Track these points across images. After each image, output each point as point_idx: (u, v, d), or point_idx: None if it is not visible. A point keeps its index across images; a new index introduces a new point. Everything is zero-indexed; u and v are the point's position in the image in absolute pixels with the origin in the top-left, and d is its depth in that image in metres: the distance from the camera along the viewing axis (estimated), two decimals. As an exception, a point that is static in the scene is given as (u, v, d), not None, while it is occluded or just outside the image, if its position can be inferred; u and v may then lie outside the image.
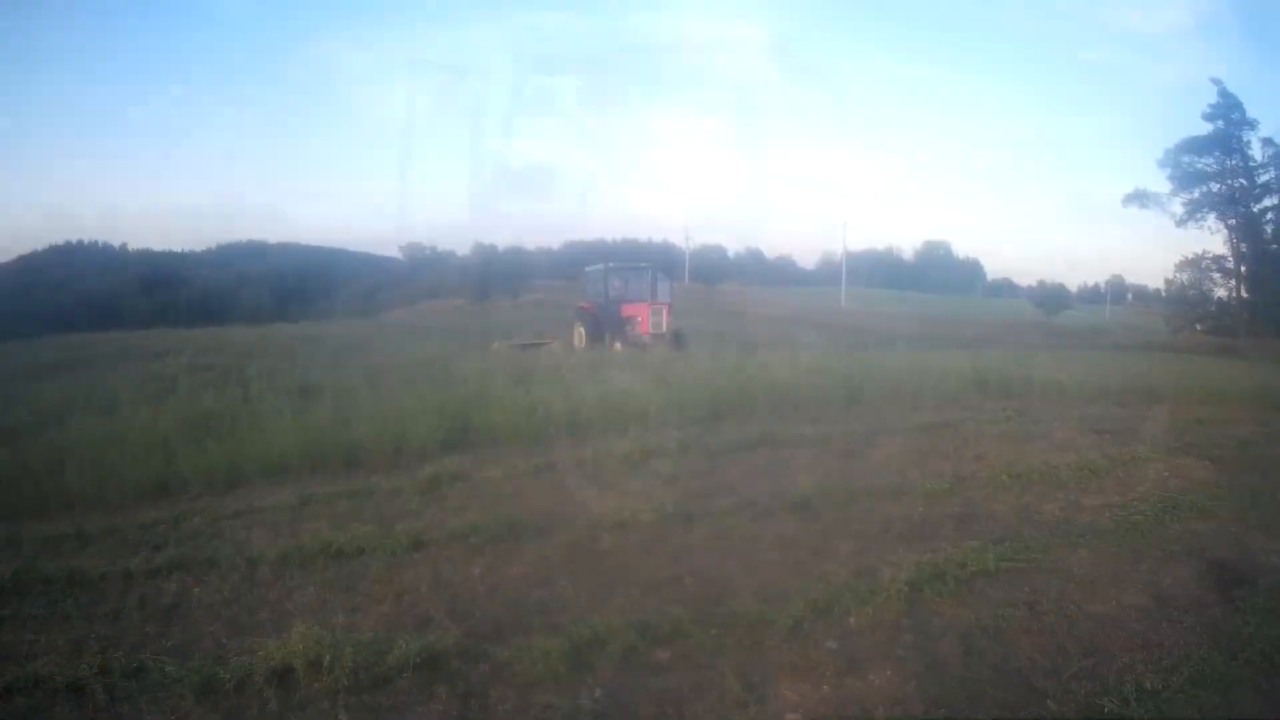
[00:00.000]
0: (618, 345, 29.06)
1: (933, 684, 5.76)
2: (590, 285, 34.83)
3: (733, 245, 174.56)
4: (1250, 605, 7.11)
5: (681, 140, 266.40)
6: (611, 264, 35.14)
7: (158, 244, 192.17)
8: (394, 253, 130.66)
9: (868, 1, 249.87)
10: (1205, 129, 58.87)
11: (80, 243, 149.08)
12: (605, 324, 31.21)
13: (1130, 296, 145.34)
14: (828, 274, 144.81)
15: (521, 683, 5.71)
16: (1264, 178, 58.24)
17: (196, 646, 6.27)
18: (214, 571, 7.63)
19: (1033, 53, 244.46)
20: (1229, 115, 57.80)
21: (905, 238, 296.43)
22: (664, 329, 30.52)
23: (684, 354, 24.91)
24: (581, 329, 32.61)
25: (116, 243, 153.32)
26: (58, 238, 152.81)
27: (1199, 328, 60.73)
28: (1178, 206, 60.47)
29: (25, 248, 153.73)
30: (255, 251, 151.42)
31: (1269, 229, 58.86)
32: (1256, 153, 58.13)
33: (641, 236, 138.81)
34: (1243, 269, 58.72)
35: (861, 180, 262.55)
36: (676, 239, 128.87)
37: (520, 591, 7.20)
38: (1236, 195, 58.29)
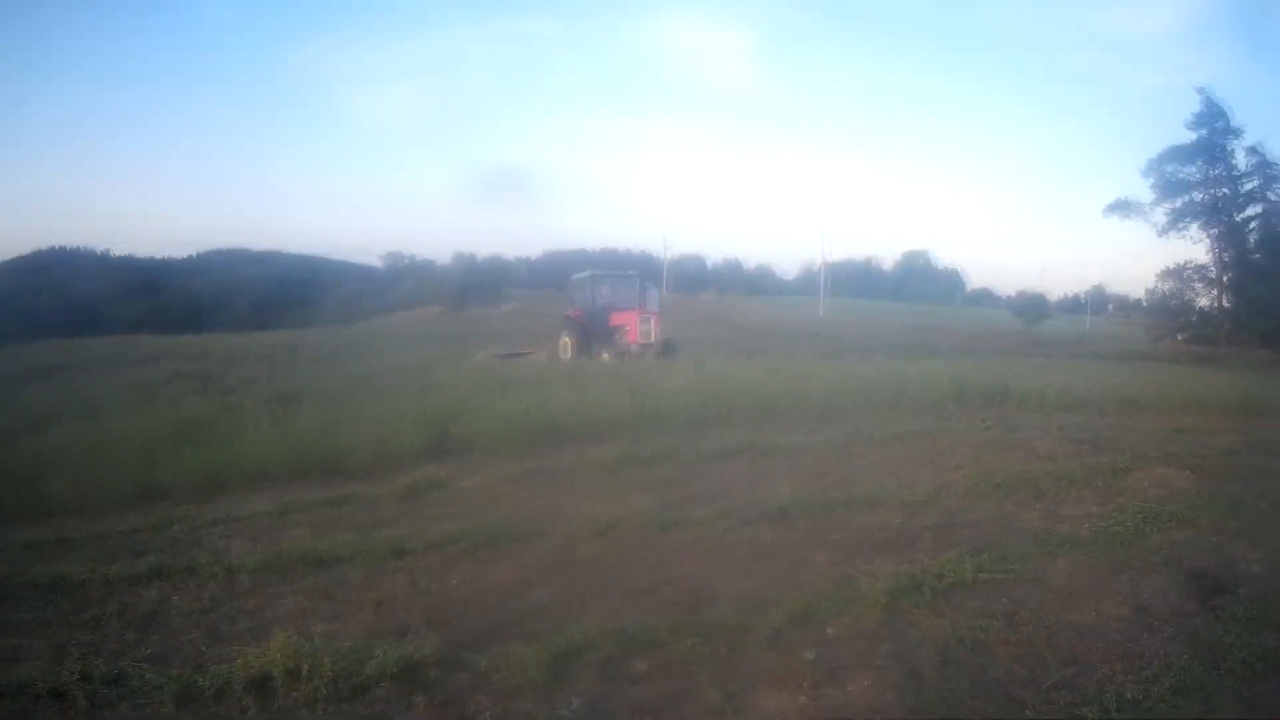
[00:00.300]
0: (606, 355, 28.71)
1: (911, 694, 5.77)
2: (577, 293, 34.22)
3: (711, 255, 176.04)
4: (1232, 614, 7.12)
5: (662, 149, 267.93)
6: (599, 271, 34.70)
7: (141, 250, 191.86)
8: (374, 261, 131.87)
9: (849, 9, 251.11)
10: (1189, 137, 59.02)
11: (64, 248, 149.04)
12: (593, 333, 30.86)
13: (1111, 306, 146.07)
14: (807, 284, 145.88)
15: (500, 691, 5.72)
16: (1248, 186, 58.38)
17: (176, 654, 6.28)
18: (194, 579, 7.66)
19: (1015, 60, 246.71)
20: (1213, 123, 57.84)
21: (885, 248, 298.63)
22: (653, 338, 29.94)
23: (673, 364, 24.76)
24: (568, 338, 32.19)
25: (100, 248, 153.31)
26: (42, 243, 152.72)
27: (1181, 337, 60.72)
28: (1160, 216, 60.51)
29: (9, 253, 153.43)
30: (237, 259, 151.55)
31: (1253, 238, 58.96)
32: (1240, 161, 58.25)
33: (620, 246, 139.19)
34: (1225, 278, 58.76)
35: (841, 190, 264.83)
36: (655, 248, 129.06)
37: (499, 600, 7.23)
38: (1220, 204, 58.33)
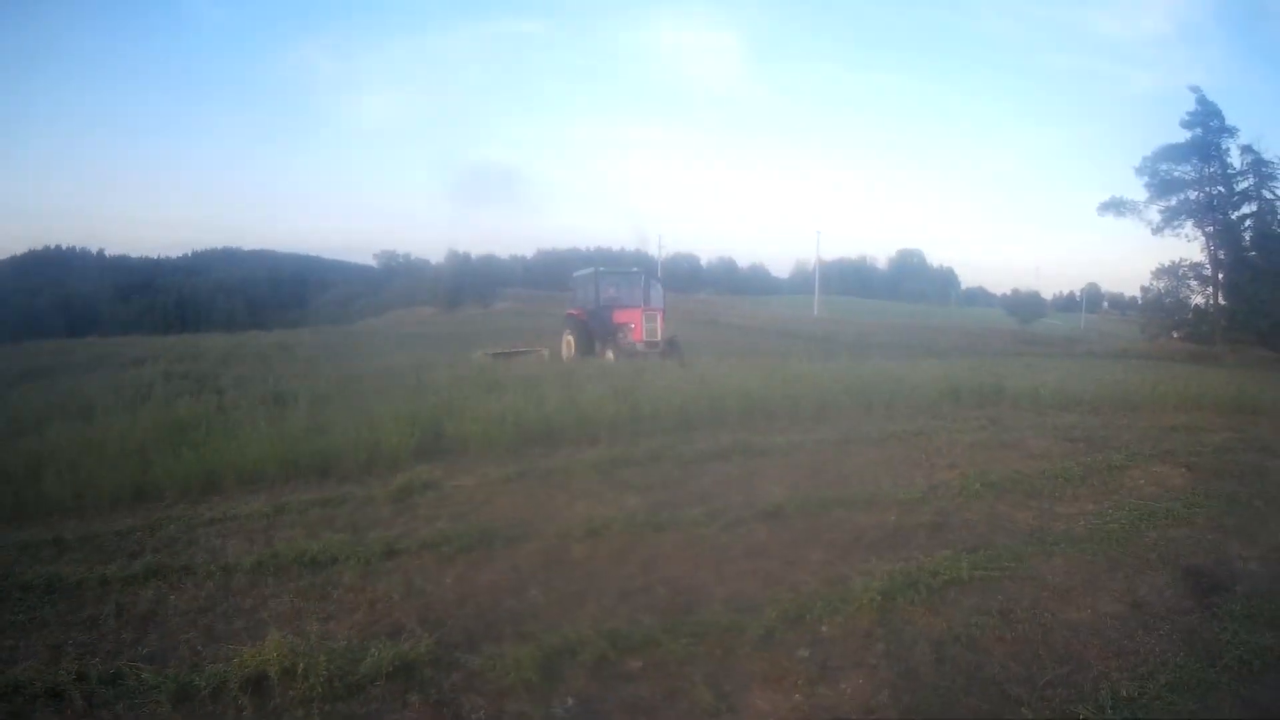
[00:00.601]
0: (610, 354, 28.28)
1: (906, 692, 5.79)
2: (579, 291, 33.24)
3: (706, 254, 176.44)
4: (1228, 611, 7.17)
5: (656, 149, 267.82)
6: (602, 268, 33.63)
7: (134, 250, 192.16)
8: (368, 260, 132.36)
9: (843, 11, 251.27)
10: (1183, 136, 58.72)
11: (58, 248, 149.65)
12: (596, 332, 30.23)
13: (1106, 304, 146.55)
14: (801, 283, 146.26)
15: (494, 691, 5.74)
16: (1242, 185, 58.01)
17: (173, 654, 6.29)
18: (190, 579, 7.64)
19: (1009, 60, 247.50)
20: (1208, 123, 57.58)
21: (879, 247, 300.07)
22: (658, 336, 28.97)
23: (679, 363, 24.55)
24: (570, 337, 31.54)
25: (94, 248, 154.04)
26: (36, 243, 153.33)
27: (1175, 335, 60.58)
28: (1154, 214, 60.09)
29: (3, 253, 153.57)
30: (230, 258, 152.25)
31: (1247, 236, 58.70)
32: (1235, 160, 57.86)
33: (614, 245, 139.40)
34: (1220, 276, 58.56)
35: (835, 189, 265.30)
36: (649, 247, 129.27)
37: (492, 600, 7.22)
38: (1214, 202, 58.02)
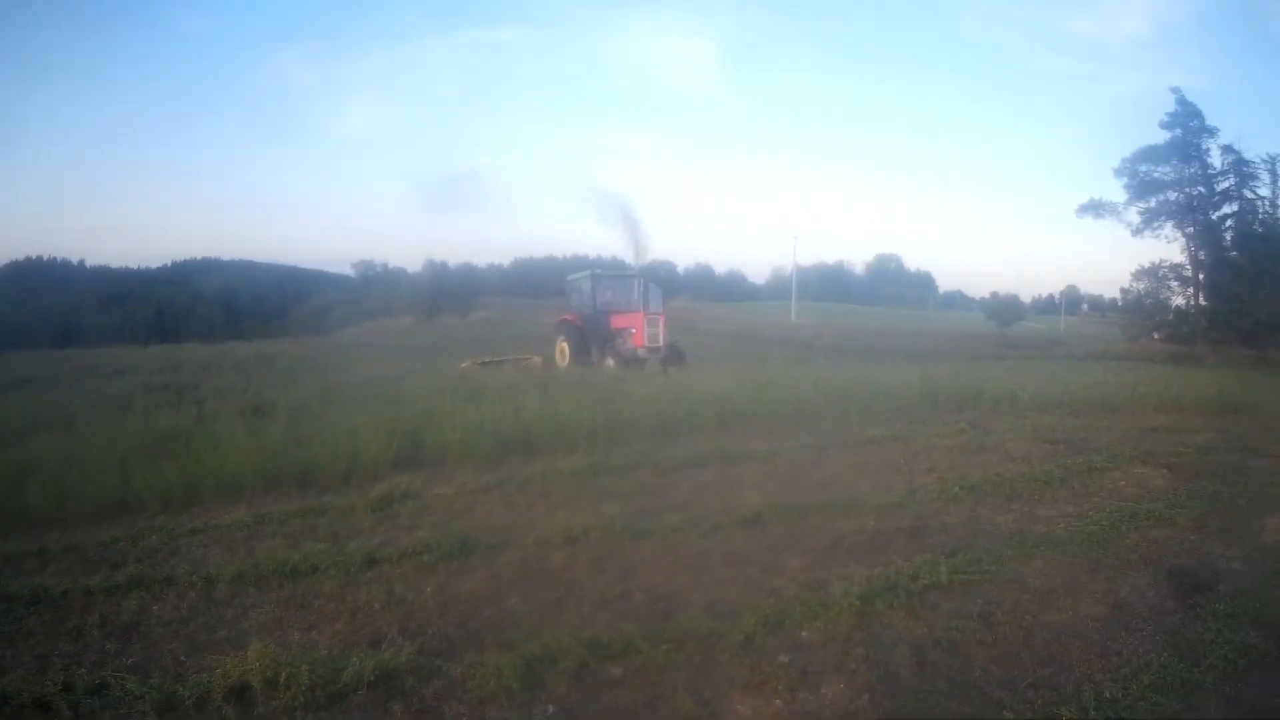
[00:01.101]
0: (609, 361, 27.73)
1: (886, 696, 5.79)
2: (574, 295, 32.72)
3: (682, 261, 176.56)
4: (1211, 611, 7.15)
5: (632, 156, 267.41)
6: (598, 271, 33.40)
7: (115, 260, 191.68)
8: (346, 270, 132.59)
9: (819, 16, 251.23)
10: (1163, 137, 58.80)
11: (39, 259, 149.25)
12: (593, 338, 29.83)
13: (1085, 306, 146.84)
14: (778, 289, 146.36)
15: (475, 699, 5.74)
16: (1223, 185, 58.13)
17: (157, 664, 6.28)
18: (172, 589, 7.64)
19: (986, 63, 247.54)
20: (1187, 123, 57.64)
21: (856, 251, 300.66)
22: (660, 342, 28.28)
23: (680, 369, 24.80)
24: (565, 344, 30.70)
25: (75, 259, 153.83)
26: (17, 254, 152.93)
27: (1156, 336, 60.69)
28: (1134, 215, 60.16)
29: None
30: (209, 268, 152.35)
31: (1228, 236, 58.78)
32: (1215, 160, 57.99)
33: (591, 253, 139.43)
34: (1201, 276, 58.63)
35: (812, 195, 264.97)
36: (626, 254, 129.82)
37: (472, 608, 7.22)
38: (1195, 203, 58.06)
